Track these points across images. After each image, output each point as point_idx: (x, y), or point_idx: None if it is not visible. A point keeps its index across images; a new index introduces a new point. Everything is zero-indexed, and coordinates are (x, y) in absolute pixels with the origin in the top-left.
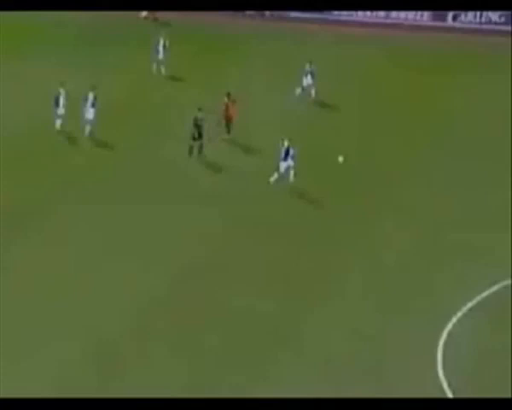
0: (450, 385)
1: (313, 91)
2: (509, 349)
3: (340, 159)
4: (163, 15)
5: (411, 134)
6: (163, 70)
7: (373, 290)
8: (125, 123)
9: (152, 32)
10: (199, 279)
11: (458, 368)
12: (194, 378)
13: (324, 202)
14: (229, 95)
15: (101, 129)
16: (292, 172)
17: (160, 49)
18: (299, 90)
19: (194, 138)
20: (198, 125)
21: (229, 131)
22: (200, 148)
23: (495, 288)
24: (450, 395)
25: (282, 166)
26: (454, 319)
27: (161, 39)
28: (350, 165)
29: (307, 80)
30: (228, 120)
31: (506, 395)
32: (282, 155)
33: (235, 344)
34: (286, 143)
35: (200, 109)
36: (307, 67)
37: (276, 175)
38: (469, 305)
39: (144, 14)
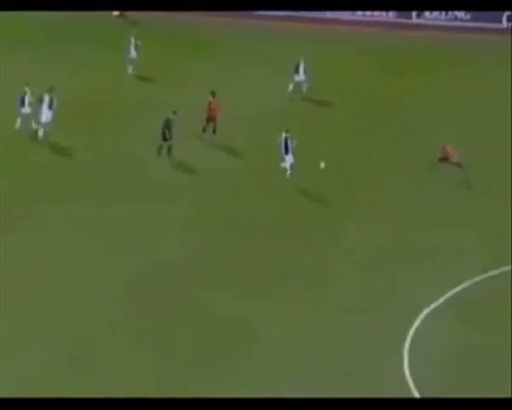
0: (416, 385)
1: (304, 88)
2: (475, 349)
3: (322, 165)
4: (135, 14)
5: (382, 132)
6: (135, 69)
7: (339, 290)
8: (95, 122)
9: (124, 31)
10: (169, 278)
11: (425, 368)
12: (164, 378)
13: (300, 202)
14: (213, 93)
15: (71, 128)
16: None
17: (132, 48)
18: (291, 87)
19: (164, 139)
20: (169, 126)
21: (214, 131)
22: (169, 149)
23: (461, 287)
24: (416, 394)
25: (287, 160)
26: (420, 318)
27: (133, 38)
28: (326, 166)
29: (299, 77)
30: (211, 119)
31: (473, 394)
32: (283, 149)
33: (206, 344)
34: (283, 136)
35: (174, 112)
36: (300, 63)
37: (288, 170)
38: (435, 304)
39: (116, 12)
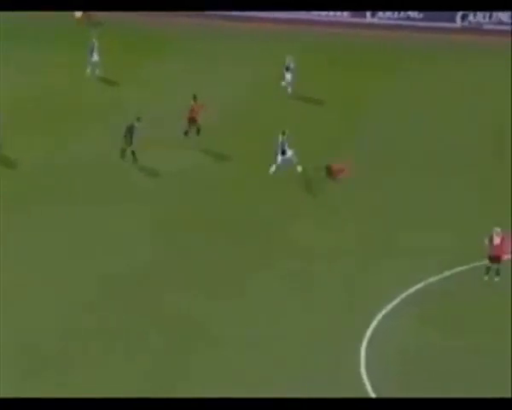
0: (372, 385)
1: (290, 88)
2: (433, 348)
3: (299, 168)
4: (98, 16)
5: (337, 133)
6: (98, 71)
7: (298, 289)
8: (59, 124)
9: (87, 33)
10: (138, 280)
11: (382, 367)
12: (132, 378)
13: (264, 202)
14: (195, 97)
15: (34, 126)
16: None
17: (95, 50)
18: (283, 84)
19: (126, 143)
20: (131, 132)
21: (190, 132)
22: (123, 153)
23: (416, 287)
24: (373, 395)
25: (279, 159)
26: (378, 318)
27: (96, 40)
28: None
29: (287, 75)
30: (192, 122)
31: (432, 394)
32: (280, 149)
33: (173, 344)
34: (280, 138)
35: (138, 119)
36: (287, 62)
37: (273, 167)
38: (392, 304)
39: (79, 14)
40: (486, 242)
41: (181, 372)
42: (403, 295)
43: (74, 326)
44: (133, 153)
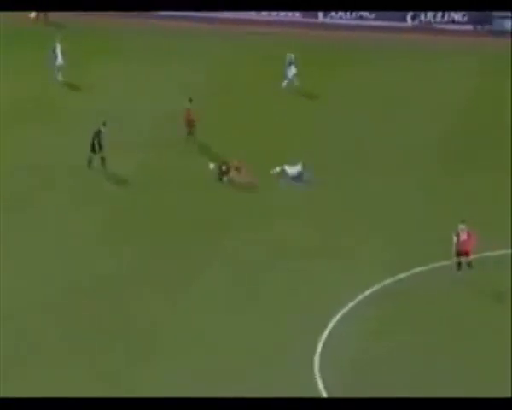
0: (325, 388)
1: (296, 80)
2: (387, 349)
3: (211, 166)
4: (58, 17)
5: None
6: (61, 75)
7: (254, 290)
8: (21, 127)
9: (48, 35)
10: (99, 285)
11: (337, 369)
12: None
13: (221, 206)
14: (191, 100)
15: None
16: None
17: (59, 53)
18: (285, 82)
19: (93, 150)
20: (99, 138)
21: (190, 134)
22: (103, 160)
23: (372, 289)
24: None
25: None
26: (333, 322)
27: (59, 43)
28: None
29: (291, 71)
30: (191, 125)
31: (391, 394)
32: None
33: (131, 347)
34: (299, 166)
35: (104, 124)
36: (289, 58)
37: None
38: (349, 306)
39: (33, 14)
40: (454, 238)
41: (140, 374)
42: (360, 297)
43: (34, 327)
44: (103, 159)
